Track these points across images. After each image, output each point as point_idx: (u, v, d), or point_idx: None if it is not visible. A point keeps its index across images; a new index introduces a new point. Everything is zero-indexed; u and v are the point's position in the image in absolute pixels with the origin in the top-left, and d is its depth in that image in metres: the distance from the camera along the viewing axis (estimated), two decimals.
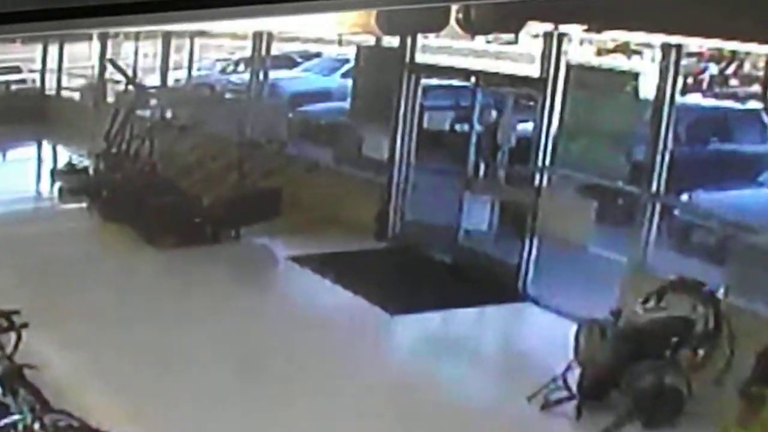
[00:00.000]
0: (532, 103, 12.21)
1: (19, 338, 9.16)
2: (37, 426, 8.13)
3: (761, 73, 14.07)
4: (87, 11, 3.13)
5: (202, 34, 20.00)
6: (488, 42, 15.08)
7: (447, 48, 13.47)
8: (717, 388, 8.81)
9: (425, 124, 14.05)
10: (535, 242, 11.67)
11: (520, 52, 12.45)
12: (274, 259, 13.25)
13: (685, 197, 11.93)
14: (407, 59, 13.65)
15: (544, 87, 11.63)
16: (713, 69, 15.86)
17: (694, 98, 14.63)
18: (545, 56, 11.63)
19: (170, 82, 19.69)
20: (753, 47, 12.97)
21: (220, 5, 2.95)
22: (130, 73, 18.14)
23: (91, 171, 16.26)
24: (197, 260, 12.70)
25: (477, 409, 9.05)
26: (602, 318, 9.07)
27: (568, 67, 11.52)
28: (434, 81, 14.36)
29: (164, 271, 12.44)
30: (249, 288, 11.82)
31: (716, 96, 15.42)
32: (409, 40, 13.55)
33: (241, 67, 21.53)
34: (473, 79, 13.20)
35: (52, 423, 8.10)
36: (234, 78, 20.94)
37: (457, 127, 14.95)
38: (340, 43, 21.49)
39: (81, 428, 8.07)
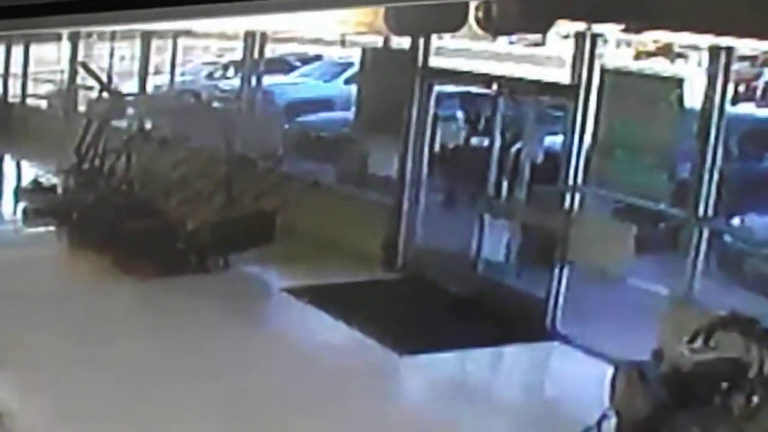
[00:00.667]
0: (561, 114, 12.25)
1: None
2: None
3: None
4: (56, 7, 3.11)
5: (186, 33, 20.06)
6: (512, 44, 15.10)
7: (465, 50, 13.49)
8: None
9: (439, 138, 14.06)
10: (566, 273, 11.67)
11: (548, 55, 12.47)
12: (268, 291, 13.22)
13: (736, 221, 11.92)
14: (419, 63, 13.68)
15: (576, 95, 11.64)
16: None
17: (747, 108, 14.64)
18: (577, 60, 11.66)
19: (150, 89, 19.73)
20: None
21: (206, 1, 2.92)
22: (104, 78, 18.16)
23: (59, 190, 16.28)
24: (180, 293, 12.68)
25: None
26: (642, 360, 9.01)
27: (603, 72, 11.54)
28: (450, 88, 14.38)
29: (143, 306, 12.41)
30: (239, 324, 11.79)
31: None
32: (421, 42, 13.59)
33: (231, 72, 21.59)
34: (495, 86, 13.22)
35: None
36: (222, 84, 20.99)
37: (474, 140, 14.99)
38: (343, 44, 21.55)
39: None
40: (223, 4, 2.94)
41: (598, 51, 11.55)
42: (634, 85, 11.49)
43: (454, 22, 11.80)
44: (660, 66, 13.95)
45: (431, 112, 13.77)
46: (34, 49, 22.79)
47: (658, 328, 10.05)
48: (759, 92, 15.68)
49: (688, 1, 10.01)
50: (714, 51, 10.51)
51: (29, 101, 22.91)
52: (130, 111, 17.74)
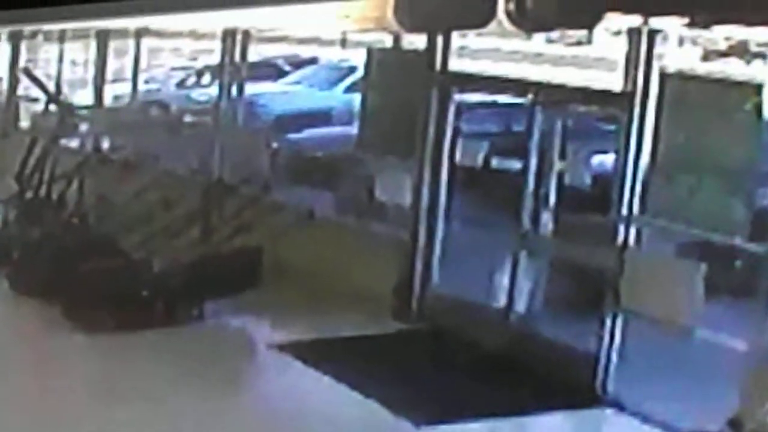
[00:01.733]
0: (612, 128, 12.22)
1: None
2: None
3: None
4: None
5: (151, 32, 20.10)
6: (551, 42, 15.07)
7: (493, 51, 13.48)
8: None
9: (461, 158, 14.05)
10: (619, 323, 11.61)
11: (596, 57, 12.46)
12: (252, 347, 13.26)
13: None
14: (437, 67, 13.70)
15: (630, 105, 11.60)
16: None
17: None
18: (631, 62, 11.62)
19: (108, 100, 19.78)
20: None
21: None
22: (51, 87, 18.20)
23: None
24: (144, 350, 12.63)
25: None
26: (716, 430, 8.93)
27: (663, 76, 11.49)
28: (475, 97, 14.38)
29: (99, 365, 12.39)
30: (217, 389, 11.74)
31: None
32: (440, 40, 13.60)
33: (207, 79, 21.68)
34: (530, 94, 13.21)
35: None
36: (196, 94, 21.06)
37: (504, 161, 14.97)
38: (343, 44, 21.62)
39: None
40: None
41: (656, 51, 11.52)
42: (701, 92, 11.43)
43: (480, 16, 11.77)
44: (733, 68, 13.92)
45: (451, 126, 13.77)
46: None
47: (736, 391, 9.99)
48: None
49: None
50: None
51: None
52: (84, 127, 17.76)
